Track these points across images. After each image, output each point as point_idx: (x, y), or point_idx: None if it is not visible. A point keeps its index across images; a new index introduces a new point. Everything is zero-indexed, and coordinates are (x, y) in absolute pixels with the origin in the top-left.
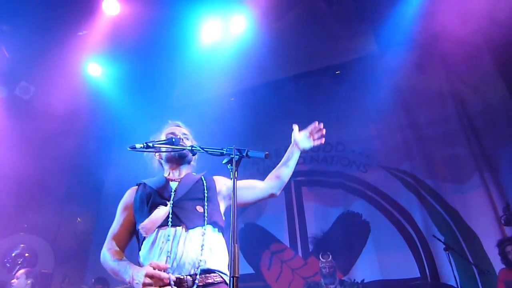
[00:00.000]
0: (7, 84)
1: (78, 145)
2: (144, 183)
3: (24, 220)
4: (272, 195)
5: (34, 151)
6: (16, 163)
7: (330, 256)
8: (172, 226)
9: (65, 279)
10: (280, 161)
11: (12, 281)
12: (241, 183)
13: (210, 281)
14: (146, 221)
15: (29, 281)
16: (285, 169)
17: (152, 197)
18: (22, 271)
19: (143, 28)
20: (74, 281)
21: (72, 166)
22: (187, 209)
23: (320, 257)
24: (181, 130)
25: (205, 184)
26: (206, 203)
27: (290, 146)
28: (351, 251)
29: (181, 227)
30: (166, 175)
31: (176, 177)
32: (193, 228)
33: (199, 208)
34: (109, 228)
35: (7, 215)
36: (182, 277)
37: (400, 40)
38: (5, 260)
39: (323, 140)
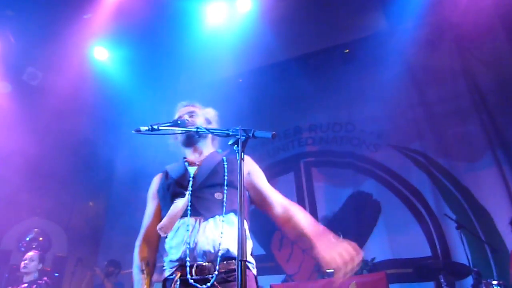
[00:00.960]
0: (15, 69)
1: (88, 129)
2: (167, 171)
3: (38, 205)
4: (273, 215)
5: (44, 136)
6: (27, 149)
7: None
8: (191, 216)
9: (78, 262)
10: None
11: (22, 264)
12: (265, 187)
13: (231, 267)
14: (164, 220)
15: (40, 266)
16: (295, 232)
17: (172, 187)
18: (31, 253)
19: (149, 10)
20: (87, 264)
21: (83, 151)
22: (205, 198)
23: None
24: (188, 109)
25: (226, 166)
26: (225, 188)
27: (318, 249)
28: (361, 230)
29: (200, 217)
30: (187, 156)
31: (197, 158)
32: (212, 217)
33: (218, 195)
34: (120, 212)
35: (20, 200)
36: (204, 264)
37: (410, 17)
38: (20, 244)
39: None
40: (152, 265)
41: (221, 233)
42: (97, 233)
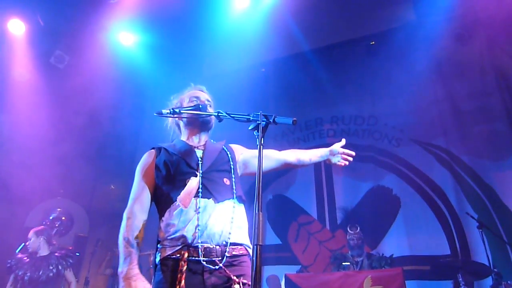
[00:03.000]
0: (43, 51)
1: (111, 114)
2: (165, 148)
3: (61, 186)
4: (286, 165)
5: (70, 119)
6: (52, 131)
7: (358, 228)
8: (202, 197)
9: (98, 242)
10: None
11: (27, 243)
12: (254, 152)
13: (235, 253)
14: (182, 194)
15: (41, 239)
16: (306, 160)
17: (179, 165)
18: (31, 232)
19: None
20: (107, 245)
21: (106, 134)
22: (215, 181)
23: (348, 229)
24: (205, 96)
25: (229, 155)
26: (233, 175)
27: (326, 150)
28: (380, 225)
29: (211, 199)
30: (184, 139)
31: (197, 143)
32: (222, 201)
33: (226, 181)
34: None
35: (45, 180)
36: (211, 246)
37: (440, 9)
38: (44, 223)
39: (345, 163)
40: (141, 239)
41: (232, 218)
42: (117, 215)
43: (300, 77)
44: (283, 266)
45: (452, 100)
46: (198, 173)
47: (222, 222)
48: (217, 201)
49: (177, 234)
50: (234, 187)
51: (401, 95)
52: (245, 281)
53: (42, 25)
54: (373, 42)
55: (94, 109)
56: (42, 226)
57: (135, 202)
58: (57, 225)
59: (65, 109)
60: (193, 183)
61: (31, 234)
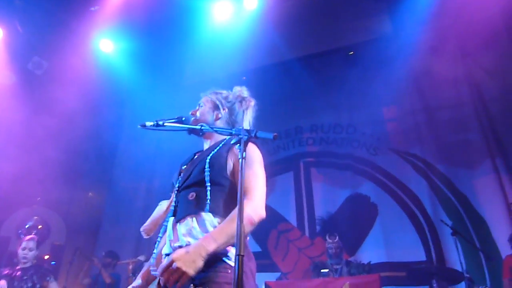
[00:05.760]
0: (20, 58)
1: (90, 121)
2: None
3: (38, 194)
4: None
5: (46, 126)
6: (29, 138)
7: (337, 237)
8: (172, 215)
9: (76, 251)
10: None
11: (22, 254)
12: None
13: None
14: (147, 222)
15: (37, 253)
16: None
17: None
18: (30, 243)
19: (155, 4)
20: (85, 254)
21: (84, 142)
22: (182, 199)
23: (327, 237)
24: (200, 101)
25: (207, 162)
26: (206, 185)
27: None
28: (358, 232)
29: (173, 217)
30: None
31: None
32: (185, 216)
33: (191, 196)
34: (119, 203)
35: (22, 188)
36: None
37: (415, 21)
38: (19, 231)
39: None
40: None
41: (189, 231)
42: (95, 223)
43: (280, 86)
44: (263, 273)
45: (428, 110)
46: (173, 194)
47: (178, 236)
48: (179, 218)
49: None
50: (199, 200)
51: (378, 104)
52: None
53: (20, 32)
54: (352, 52)
55: (73, 116)
56: (33, 235)
57: None
58: (33, 233)
59: (42, 115)
60: (163, 207)
61: (30, 243)
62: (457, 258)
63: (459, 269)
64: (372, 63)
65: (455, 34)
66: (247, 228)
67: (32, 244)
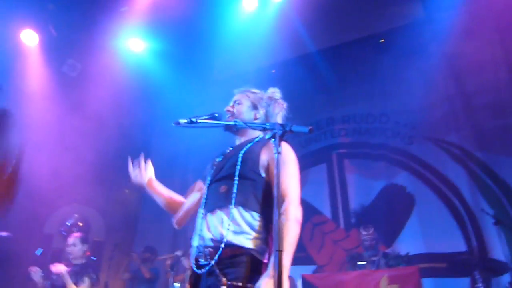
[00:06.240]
0: (55, 61)
1: (123, 119)
2: None
3: (77, 192)
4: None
5: (83, 126)
6: (66, 137)
7: (372, 229)
8: (204, 207)
9: (116, 247)
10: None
11: (68, 248)
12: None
13: (231, 253)
14: (180, 212)
15: (86, 246)
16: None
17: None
18: (72, 238)
19: (183, 1)
20: (124, 250)
21: (118, 140)
22: (213, 191)
23: (362, 229)
24: (236, 97)
25: (240, 157)
26: (236, 180)
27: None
28: (394, 223)
29: (204, 209)
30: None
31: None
32: (215, 209)
33: (223, 188)
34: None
35: (62, 187)
36: (204, 249)
37: (449, 4)
38: (61, 229)
39: None
40: None
41: (222, 224)
42: (133, 220)
43: (310, 77)
44: (299, 266)
45: (465, 95)
46: (205, 186)
47: (214, 229)
48: (210, 211)
49: None
50: (233, 194)
51: (412, 92)
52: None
53: (54, 35)
54: (383, 40)
55: (106, 116)
56: (81, 233)
57: None
58: (74, 230)
59: (77, 116)
60: (193, 198)
61: (77, 240)
62: (500, 249)
63: (503, 259)
64: (404, 50)
65: (492, 17)
66: (298, 229)
67: (74, 241)
